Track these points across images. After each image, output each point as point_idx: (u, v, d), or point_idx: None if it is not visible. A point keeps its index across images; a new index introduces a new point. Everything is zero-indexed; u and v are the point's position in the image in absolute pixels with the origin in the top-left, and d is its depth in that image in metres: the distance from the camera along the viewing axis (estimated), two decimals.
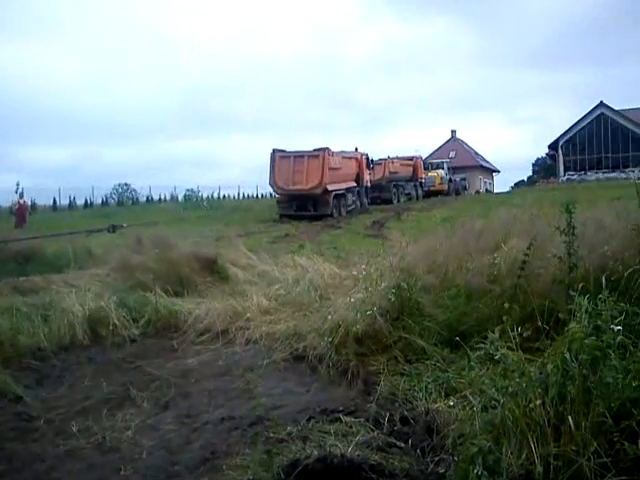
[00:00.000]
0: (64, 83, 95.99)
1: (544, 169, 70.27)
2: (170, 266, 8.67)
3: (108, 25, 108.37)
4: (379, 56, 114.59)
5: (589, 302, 3.10)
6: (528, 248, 4.75)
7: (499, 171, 72.46)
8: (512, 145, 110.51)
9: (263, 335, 6.43)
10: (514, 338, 3.21)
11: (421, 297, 5.27)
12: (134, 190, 51.17)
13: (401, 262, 5.70)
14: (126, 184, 52.68)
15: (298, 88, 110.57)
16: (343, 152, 27.91)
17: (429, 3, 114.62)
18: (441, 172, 44.64)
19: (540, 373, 2.90)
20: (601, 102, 53.63)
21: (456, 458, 3.08)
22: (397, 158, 37.77)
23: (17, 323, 6.54)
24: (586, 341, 2.73)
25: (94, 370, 5.72)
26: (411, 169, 39.22)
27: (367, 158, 30.59)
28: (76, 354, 6.24)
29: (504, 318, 3.18)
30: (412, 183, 39.28)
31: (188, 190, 48.66)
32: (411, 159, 39.94)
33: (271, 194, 33.90)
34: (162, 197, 46.98)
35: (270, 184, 26.16)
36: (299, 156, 25.43)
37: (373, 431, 3.73)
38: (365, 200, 30.22)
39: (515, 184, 70.91)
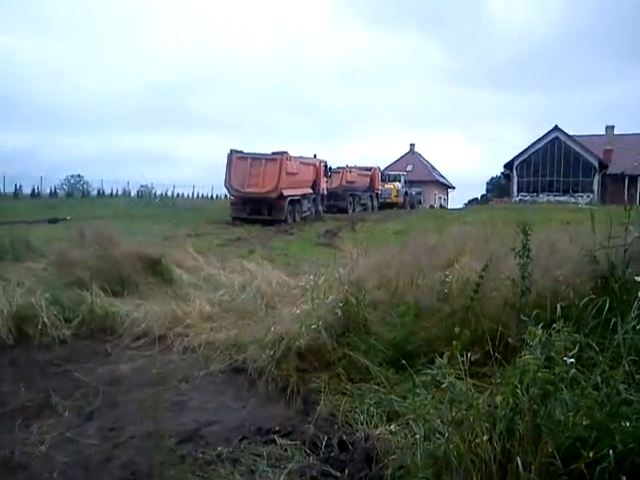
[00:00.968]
0: (23, 68, 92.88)
1: (498, 188, 71.73)
2: (111, 264, 8.25)
3: (75, 14, 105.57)
4: (345, 65, 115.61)
5: (543, 331, 2.94)
6: (483, 270, 4.60)
7: (454, 187, 73.78)
8: (468, 162, 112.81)
9: (202, 343, 6.10)
10: (463, 364, 3.02)
11: (369, 313, 5.07)
12: (86, 182, 49.96)
13: (350, 275, 5.49)
14: (79, 175, 51.42)
15: (262, 90, 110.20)
16: (301, 158, 27.71)
17: (397, 18, 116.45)
18: (398, 185, 44.95)
19: (489, 405, 2.72)
20: (556, 126, 55.07)
21: None
22: (355, 168, 37.82)
23: None
24: (539, 374, 2.56)
25: (14, 373, 5.30)
26: (368, 180, 39.35)
27: (325, 165, 30.49)
28: None
29: (454, 343, 2.98)
30: (368, 194, 39.41)
31: (142, 186, 47.72)
32: (369, 170, 40.07)
33: (226, 195, 33.40)
34: (114, 191, 45.91)
35: (225, 185, 25.71)
36: (257, 159, 25.10)
37: (309, 456, 3.50)
38: (320, 208, 30.07)
39: (469, 201, 72.29)
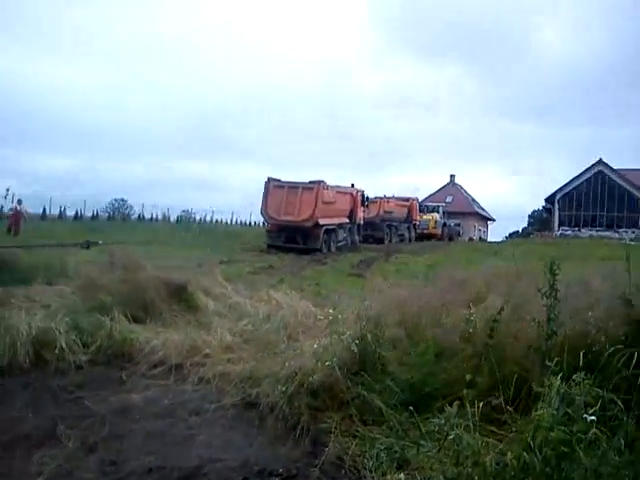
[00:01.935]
0: (72, 94, 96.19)
1: (539, 222, 70.48)
2: (135, 289, 8.21)
3: (121, 41, 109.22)
4: (388, 95, 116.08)
5: (562, 382, 2.69)
6: (499, 312, 4.35)
7: (494, 220, 72.73)
8: (509, 195, 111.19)
9: (217, 375, 5.95)
10: (473, 415, 2.79)
11: (386, 351, 4.85)
12: (130, 206, 51.01)
13: (369, 310, 5.29)
14: (122, 199, 52.55)
15: (304, 119, 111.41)
16: (338, 187, 27.68)
17: (443, 49, 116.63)
18: (436, 216, 44.55)
19: (497, 464, 2.48)
20: (600, 160, 54.06)
21: None
22: (393, 198, 37.62)
23: None
24: (552, 433, 2.32)
25: (26, 398, 5.24)
26: (406, 210, 39.07)
27: (362, 195, 30.37)
28: (12, 379, 5.75)
29: (464, 392, 2.75)
30: (406, 224, 39.08)
31: (184, 211, 48.47)
32: (407, 200, 39.83)
33: (263, 223, 33.59)
34: (154, 216, 46.62)
35: (261, 213, 25.86)
36: (293, 187, 25.19)
37: None
38: (357, 237, 29.88)
39: (510, 234, 71.10)
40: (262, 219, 29.62)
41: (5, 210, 29.16)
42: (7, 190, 28.42)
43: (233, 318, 8.34)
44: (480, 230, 68.46)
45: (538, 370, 4.19)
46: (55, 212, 40.37)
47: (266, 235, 26.22)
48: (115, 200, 52.23)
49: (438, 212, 45.49)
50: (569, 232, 52.64)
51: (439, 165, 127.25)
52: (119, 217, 46.40)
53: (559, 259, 4.60)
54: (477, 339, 4.93)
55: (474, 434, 2.73)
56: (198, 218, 47.45)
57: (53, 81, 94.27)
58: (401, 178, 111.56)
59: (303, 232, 24.61)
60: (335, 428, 4.36)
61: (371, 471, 3.68)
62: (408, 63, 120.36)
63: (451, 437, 2.64)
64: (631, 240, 41.41)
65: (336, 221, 26.52)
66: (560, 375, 2.73)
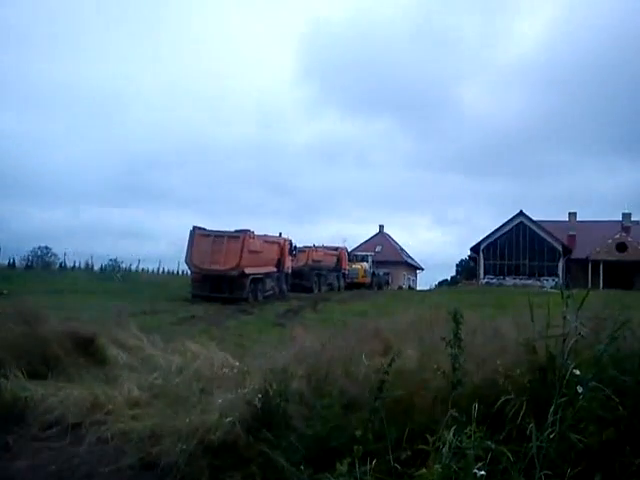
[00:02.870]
0: None
1: (466, 270, 72.36)
2: (36, 343, 7.69)
3: (44, 84, 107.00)
4: (318, 147, 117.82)
5: (458, 434, 2.57)
6: (389, 364, 4.24)
7: (423, 268, 74.25)
8: (438, 244, 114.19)
9: (118, 433, 5.55)
10: (365, 474, 2.61)
11: (292, 405, 4.63)
12: (54, 254, 48.81)
13: (277, 362, 5.08)
14: (46, 247, 50.16)
15: (233, 169, 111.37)
16: (265, 236, 27.57)
17: (372, 104, 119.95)
18: (365, 265, 45.02)
19: None
20: (521, 211, 56.47)
21: None
22: (322, 247, 37.83)
23: None
24: None
25: None
26: (335, 259, 39.29)
27: (290, 244, 30.38)
28: None
29: (355, 448, 2.58)
30: (335, 273, 39.23)
31: (111, 260, 46.93)
32: (336, 249, 40.12)
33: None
34: (77, 264, 44.88)
35: (186, 262, 25.37)
36: (219, 236, 24.89)
37: None
38: (284, 286, 29.66)
39: (439, 283, 72.61)
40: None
41: None
42: None
43: (144, 371, 7.92)
44: (409, 279, 69.66)
45: (447, 421, 4.10)
46: None
47: (191, 284, 25.63)
48: (38, 248, 49.89)
49: (367, 261, 46.04)
50: (494, 280, 54.28)
51: (370, 215, 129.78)
52: (39, 265, 44.36)
53: (480, 306, 4.59)
54: (386, 390, 4.81)
55: None
56: (124, 267, 46.11)
57: None
58: (332, 228, 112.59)
59: (229, 281, 24.20)
60: None
61: None
62: (340, 115, 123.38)
63: None
64: (551, 288, 43.12)
65: (263, 270, 26.27)
66: (454, 428, 2.61)
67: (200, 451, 4.54)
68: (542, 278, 53.10)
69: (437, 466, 2.38)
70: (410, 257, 72.09)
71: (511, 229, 56.22)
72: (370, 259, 47.00)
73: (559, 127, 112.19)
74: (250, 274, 24.78)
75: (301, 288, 32.86)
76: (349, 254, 43.99)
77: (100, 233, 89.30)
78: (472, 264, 63.35)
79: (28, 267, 41.88)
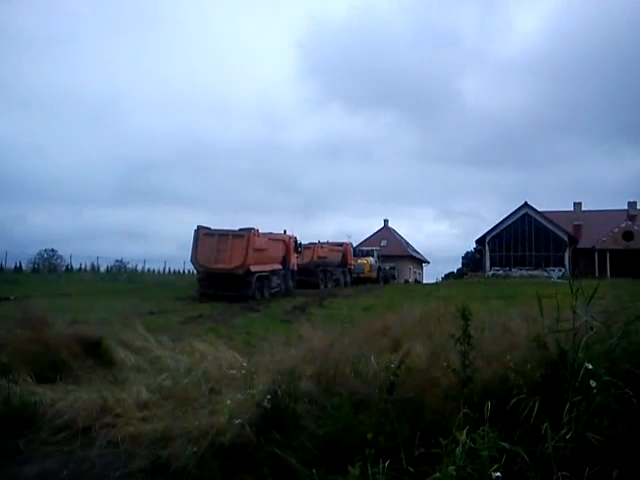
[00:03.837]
0: None
1: (472, 262, 72.18)
2: (44, 347, 7.68)
3: (45, 88, 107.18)
4: (323, 143, 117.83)
5: (468, 437, 2.53)
6: (398, 366, 4.20)
7: (429, 262, 74.11)
8: (444, 237, 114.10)
9: (128, 436, 5.52)
10: (378, 474, 2.58)
11: (301, 405, 4.60)
12: (60, 257, 48.87)
13: (285, 362, 5.05)
14: (52, 250, 50.15)
15: (240, 167, 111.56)
16: (270, 234, 27.54)
17: (375, 99, 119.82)
18: (371, 260, 44.98)
19: None
20: (525, 203, 56.28)
21: None
22: (327, 243, 37.81)
23: None
24: None
25: None
26: (340, 255, 39.25)
27: (295, 241, 30.35)
28: None
29: (366, 452, 2.55)
30: (341, 269, 39.21)
31: (117, 261, 47.02)
32: (341, 245, 40.08)
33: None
34: (83, 267, 44.95)
35: (192, 261, 25.34)
36: (224, 235, 24.88)
37: None
38: (291, 283, 29.63)
39: (445, 275, 72.52)
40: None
41: None
42: None
43: (152, 372, 7.90)
44: (415, 272, 69.54)
45: (459, 419, 4.06)
46: None
47: (197, 284, 25.63)
48: (45, 251, 49.87)
49: (373, 256, 45.99)
50: (500, 272, 54.15)
51: (375, 210, 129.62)
52: (45, 269, 44.41)
53: (487, 298, 4.54)
54: (397, 388, 4.77)
55: None
56: (130, 267, 46.22)
57: None
58: (337, 223, 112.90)
59: (235, 280, 24.18)
60: None
61: None
62: (343, 111, 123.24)
63: None
64: (558, 278, 42.98)
65: (269, 268, 26.25)
66: (467, 428, 2.57)
67: (211, 453, 4.51)
68: (549, 269, 52.96)
69: (451, 468, 2.34)
70: (416, 251, 71.96)
71: (516, 220, 56.04)
72: (375, 254, 46.96)
73: (563, 117, 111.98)
74: (256, 272, 24.77)
75: (308, 284, 32.85)
76: (354, 249, 43.98)
77: (106, 234, 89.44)
78: (478, 256, 63.22)
79: (35, 270, 41.94)
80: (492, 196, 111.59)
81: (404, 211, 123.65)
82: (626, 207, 56.73)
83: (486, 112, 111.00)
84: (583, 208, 58.58)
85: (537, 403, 3.33)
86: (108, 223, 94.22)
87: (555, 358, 4.35)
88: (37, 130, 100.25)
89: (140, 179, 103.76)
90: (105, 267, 45.52)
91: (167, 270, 50.39)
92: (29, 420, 6.04)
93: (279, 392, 4.53)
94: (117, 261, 47.13)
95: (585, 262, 51.78)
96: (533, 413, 3.23)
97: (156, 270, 49.42)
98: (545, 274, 50.73)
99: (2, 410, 6.04)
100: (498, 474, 2.27)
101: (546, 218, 55.33)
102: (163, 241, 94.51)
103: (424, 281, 62.54)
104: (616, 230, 52.31)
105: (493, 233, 56.70)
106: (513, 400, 3.53)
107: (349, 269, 40.67)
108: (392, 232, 70.64)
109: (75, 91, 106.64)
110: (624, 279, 30.06)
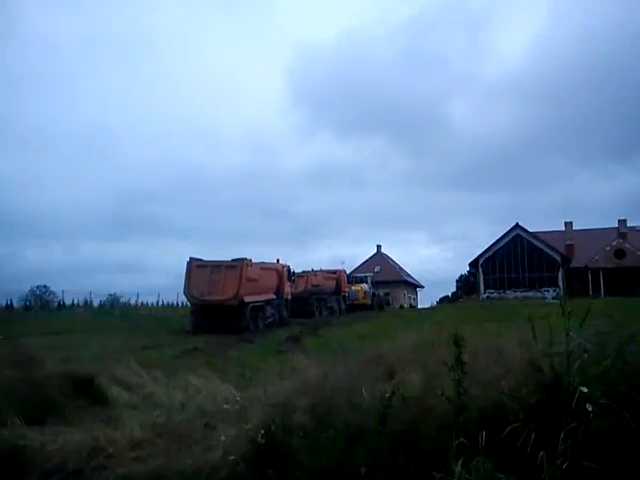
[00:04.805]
0: None
1: (467, 285, 72.18)
2: (33, 388, 7.55)
3: (37, 122, 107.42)
4: (314, 170, 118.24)
5: (464, 468, 2.47)
6: (390, 398, 4.15)
7: (423, 286, 74.09)
8: (438, 261, 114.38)
9: (120, 478, 5.41)
10: None
11: (296, 439, 4.52)
12: (53, 293, 48.40)
13: (278, 395, 4.98)
14: (45, 286, 49.67)
15: (232, 196, 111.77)
16: (263, 263, 27.48)
17: (364, 125, 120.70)
18: (365, 286, 44.84)
19: None
20: (517, 224, 56.55)
21: None
22: (320, 271, 37.70)
23: None
24: None
25: None
26: (334, 282, 39.13)
27: (288, 270, 30.29)
28: None
29: None
30: (335, 296, 39.05)
31: (110, 295, 46.62)
32: (334, 272, 39.99)
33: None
34: (76, 302, 44.51)
35: (185, 293, 25.21)
36: (216, 266, 24.80)
37: None
38: (285, 313, 29.46)
39: (440, 299, 72.46)
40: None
41: None
42: None
43: (146, 409, 7.79)
44: (410, 297, 69.45)
45: (454, 448, 3.99)
46: None
47: (191, 316, 25.44)
48: (37, 287, 49.37)
49: (367, 282, 45.85)
50: (495, 294, 54.13)
51: (367, 235, 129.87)
52: (37, 306, 43.96)
53: (482, 321, 4.50)
54: (393, 419, 4.70)
55: None
56: (123, 301, 45.86)
57: None
58: (331, 250, 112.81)
59: (229, 311, 24.01)
60: None
61: None
62: (333, 137, 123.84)
63: None
64: (553, 298, 42.99)
65: (262, 298, 26.12)
66: (462, 459, 2.51)
67: None
68: (543, 289, 52.98)
69: None
70: (409, 275, 71.95)
71: (508, 242, 56.22)
72: (369, 280, 46.83)
73: (550, 137, 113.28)
74: (249, 302, 24.63)
75: (302, 313, 32.65)
76: (348, 276, 43.83)
77: (98, 268, 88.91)
78: (472, 279, 63.22)
79: (26, 308, 41.52)
80: (483, 218, 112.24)
81: (396, 236, 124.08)
82: (616, 225, 57.06)
83: (474, 134, 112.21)
84: (574, 227, 58.89)
85: (533, 432, 3.27)
86: (101, 256, 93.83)
87: (550, 382, 4.30)
88: (29, 165, 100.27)
89: (133, 211, 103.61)
90: (98, 302, 45.19)
91: (161, 303, 50.03)
92: (18, 465, 5.90)
93: (273, 427, 4.46)
94: (110, 295, 46.78)
95: (579, 281, 51.86)
96: (529, 442, 3.18)
97: (150, 303, 49.04)
98: (539, 295, 50.72)
99: None
100: None
101: (538, 239, 55.55)
102: (157, 273, 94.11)
103: (419, 306, 62.47)
104: (608, 248, 52.53)
105: (486, 256, 56.82)
106: (508, 429, 3.47)
107: (343, 296, 40.50)
108: (385, 257, 70.70)
109: (68, 125, 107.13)
110: (617, 298, 30.11)
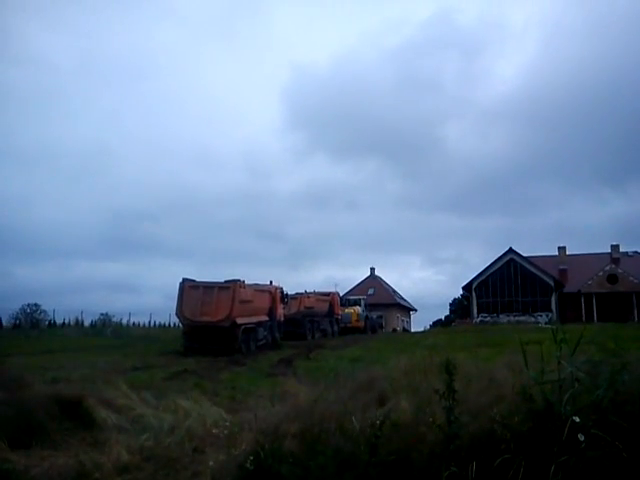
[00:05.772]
0: None
1: (460, 309, 72.07)
2: (18, 410, 7.43)
3: (30, 141, 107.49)
4: (309, 192, 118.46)
5: None
6: (379, 427, 4.10)
7: (416, 310, 73.93)
8: (431, 284, 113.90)
9: None
10: None
11: (286, 465, 4.45)
12: (44, 312, 47.94)
13: (267, 420, 4.92)
14: (36, 304, 49.17)
15: (226, 218, 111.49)
16: (256, 285, 27.37)
17: (359, 148, 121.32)
18: (358, 309, 44.70)
19: None
20: (510, 248, 56.71)
21: None
22: (313, 293, 37.52)
23: None
24: None
25: None
26: (327, 305, 38.95)
27: (281, 292, 30.14)
28: None
29: None
30: (328, 319, 38.86)
31: (102, 314, 46.22)
32: (328, 295, 39.82)
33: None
34: (67, 321, 44.13)
35: (177, 314, 25.01)
36: (209, 287, 24.65)
37: None
38: (277, 335, 29.25)
39: (433, 323, 72.24)
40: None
41: None
42: None
43: (134, 432, 7.68)
44: (403, 320, 69.26)
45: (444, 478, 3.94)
46: None
47: (183, 337, 25.21)
48: (27, 305, 48.89)
49: (360, 305, 45.71)
50: (488, 318, 54.06)
51: (361, 258, 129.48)
52: (27, 324, 43.52)
53: (475, 346, 4.48)
54: (383, 445, 4.65)
55: None
56: (115, 321, 45.45)
57: None
58: (324, 272, 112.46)
59: (221, 333, 23.82)
60: None
61: None
62: (328, 160, 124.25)
63: None
64: (546, 323, 42.92)
65: (255, 320, 25.95)
66: None
67: None
68: (536, 314, 52.97)
69: None
70: (403, 298, 71.85)
71: (502, 266, 56.31)
72: (363, 302, 46.68)
73: (544, 162, 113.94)
74: (242, 324, 24.45)
75: (295, 335, 32.45)
76: (341, 298, 43.66)
77: (90, 288, 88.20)
78: (465, 303, 63.18)
79: (16, 326, 41.10)
80: (476, 241, 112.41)
81: (390, 259, 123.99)
82: (609, 250, 57.32)
83: (468, 158, 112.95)
84: (567, 252, 59.11)
85: (523, 463, 3.23)
86: (94, 275, 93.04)
87: (542, 410, 4.27)
88: (23, 184, 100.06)
89: (127, 230, 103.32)
90: (90, 321, 44.79)
91: (152, 323, 49.66)
92: None
93: (262, 453, 4.39)
94: (102, 315, 46.34)
95: (572, 306, 51.93)
96: (519, 474, 3.14)
97: (141, 323, 48.68)
98: (533, 319, 50.69)
99: None
100: None
101: (531, 263, 55.70)
102: (150, 293, 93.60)
103: (412, 329, 62.26)
104: (601, 273, 52.67)
105: (479, 279, 56.86)
106: (498, 460, 3.43)
107: (336, 319, 40.28)
108: (379, 280, 70.61)
109: (64, 144, 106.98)
110: (610, 323, 30.13)
